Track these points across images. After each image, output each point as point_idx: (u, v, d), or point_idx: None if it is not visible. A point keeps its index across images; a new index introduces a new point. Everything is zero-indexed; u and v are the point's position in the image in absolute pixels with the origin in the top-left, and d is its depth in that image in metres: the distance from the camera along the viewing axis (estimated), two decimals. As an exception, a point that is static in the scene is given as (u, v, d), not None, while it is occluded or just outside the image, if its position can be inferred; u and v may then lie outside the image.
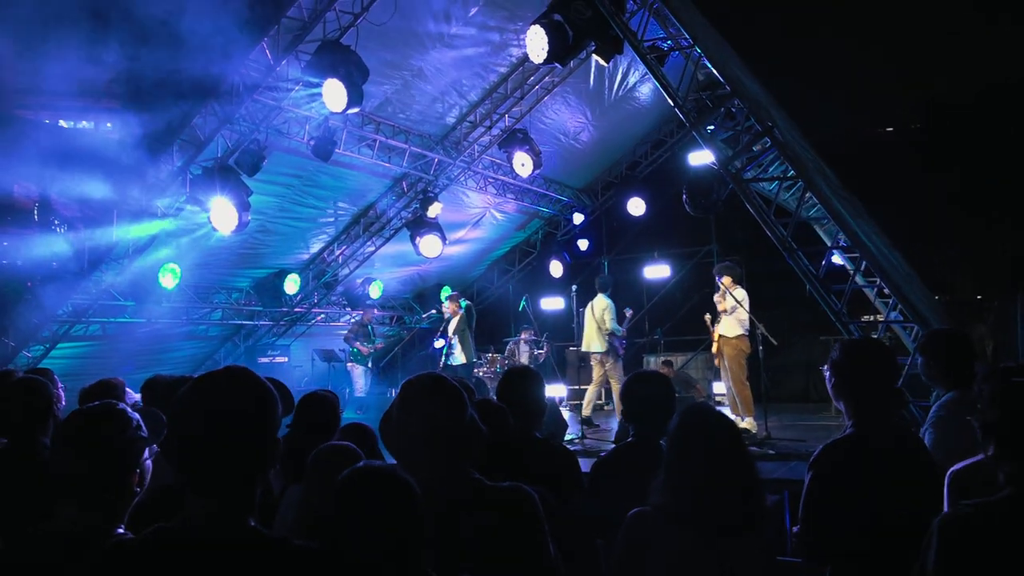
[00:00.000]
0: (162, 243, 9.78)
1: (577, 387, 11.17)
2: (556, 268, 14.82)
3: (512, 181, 13.18)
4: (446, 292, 13.71)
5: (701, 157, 10.29)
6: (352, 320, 13.54)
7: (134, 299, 10.32)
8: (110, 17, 6.73)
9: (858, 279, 8.02)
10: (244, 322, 12.82)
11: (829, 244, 8.01)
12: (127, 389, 3.97)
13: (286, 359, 13.27)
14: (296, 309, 13.06)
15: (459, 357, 10.65)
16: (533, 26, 7.91)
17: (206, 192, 8.83)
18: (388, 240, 12.68)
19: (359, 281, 13.25)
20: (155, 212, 9.25)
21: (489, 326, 14.88)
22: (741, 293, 8.48)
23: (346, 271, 13.09)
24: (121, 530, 1.99)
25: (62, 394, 3.47)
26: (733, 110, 8.10)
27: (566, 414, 10.09)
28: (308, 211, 11.47)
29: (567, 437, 8.57)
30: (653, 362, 13.44)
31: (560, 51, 7.86)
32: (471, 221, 13.79)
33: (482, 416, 2.29)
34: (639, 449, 3.26)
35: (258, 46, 8.17)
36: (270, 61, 8.40)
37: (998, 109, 11.73)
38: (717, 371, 9.80)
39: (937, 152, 12.16)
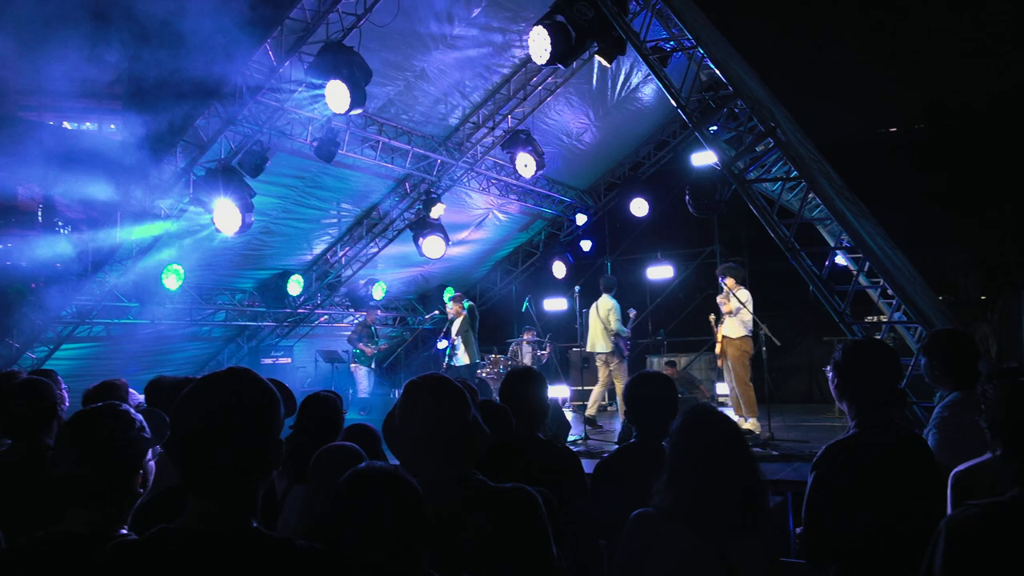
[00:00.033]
0: (166, 244, 9.80)
1: (580, 388, 11.17)
2: (559, 269, 14.82)
3: (515, 182, 13.19)
4: (449, 293, 13.74)
5: (704, 158, 10.31)
6: (355, 321, 13.55)
7: (138, 300, 10.34)
8: (114, 19, 6.75)
9: (861, 280, 8.00)
10: (247, 323, 12.84)
11: (832, 245, 7.98)
12: (131, 390, 3.97)
13: (289, 360, 13.29)
14: (299, 310, 13.07)
15: (462, 358, 10.66)
16: (536, 27, 7.91)
17: (209, 193, 8.84)
18: (391, 241, 12.69)
19: (362, 282, 13.27)
20: (159, 213, 9.27)
21: (492, 327, 14.88)
22: (745, 294, 8.47)
23: (349, 272, 13.09)
24: (124, 531, 1.99)
25: (66, 395, 3.47)
26: (736, 111, 8.09)
27: (569, 415, 10.10)
28: (311, 212, 11.49)
29: (570, 438, 8.57)
30: (656, 363, 13.45)
31: (563, 52, 7.86)
32: (474, 222, 13.80)
33: (484, 417, 2.29)
34: (642, 450, 3.26)
35: (261, 47, 8.20)
36: (273, 62, 8.41)
37: (1008, 112, 11.72)
38: (720, 372, 9.79)
39: (940, 152, 12.16)
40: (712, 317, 9.02)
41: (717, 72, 7.79)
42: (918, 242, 10.07)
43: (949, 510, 2.61)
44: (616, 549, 2.48)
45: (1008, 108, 11.75)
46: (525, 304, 12.04)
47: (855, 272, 7.88)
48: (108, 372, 8.25)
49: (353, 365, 12.23)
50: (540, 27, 7.85)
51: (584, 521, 3.12)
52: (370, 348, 12.07)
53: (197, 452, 1.61)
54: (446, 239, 11.92)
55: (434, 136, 11.60)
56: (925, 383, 3.70)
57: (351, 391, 11.94)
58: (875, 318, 9.09)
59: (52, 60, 6.65)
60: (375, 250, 12.81)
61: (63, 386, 3.46)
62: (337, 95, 8.14)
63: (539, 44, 7.91)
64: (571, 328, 13.08)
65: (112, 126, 8.66)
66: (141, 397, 4.02)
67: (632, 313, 10.34)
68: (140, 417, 2.08)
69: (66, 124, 8.80)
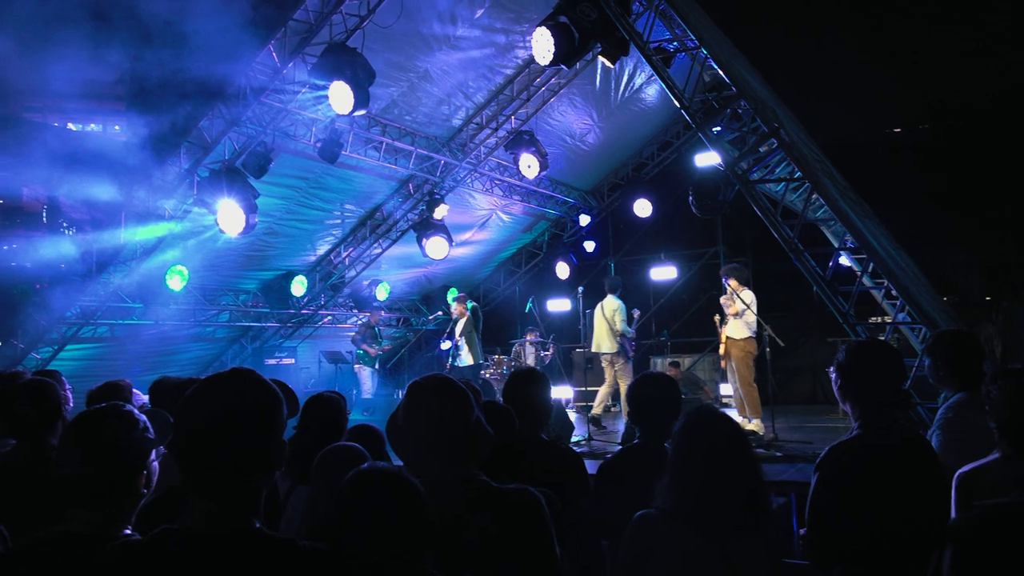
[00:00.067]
0: (170, 245, 9.83)
1: (584, 389, 11.16)
2: (562, 269, 14.82)
3: (518, 183, 13.19)
4: (453, 294, 13.73)
5: (707, 158, 10.29)
6: (359, 322, 13.57)
7: (142, 301, 10.37)
8: (118, 21, 6.77)
9: (865, 280, 7.99)
10: (251, 324, 12.86)
11: (836, 245, 7.98)
12: (135, 391, 3.98)
13: (293, 361, 13.31)
14: (303, 311, 13.09)
15: (466, 359, 10.66)
16: (539, 28, 7.92)
17: (213, 194, 8.86)
18: (395, 242, 12.70)
19: (366, 283, 13.29)
20: (163, 214, 9.30)
21: (496, 328, 14.88)
22: (749, 295, 8.45)
23: (353, 273, 13.11)
24: (128, 531, 2.00)
25: (70, 396, 3.48)
26: (739, 111, 8.08)
27: (572, 416, 10.09)
28: (315, 213, 11.50)
29: (573, 439, 8.57)
30: (660, 364, 13.43)
31: (566, 53, 7.85)
32: (477, 223, 13.81)
33: (488, 418, 2.29)
34: (645, 451, 3.26)
35: (265, 49, 8.21)
36: (277, 64, 8.43)
37: (1008, 112, 11.71)
38: (724, 373, 9.78)
39: (940, 153, 12.15)
40: (717, 318, 9.01)
41: (720, 73, 7.79)
42: (918, 242, 10.06)
43: (953, 511, 2.61)
44: (619, 550, 2.48)
45: (1008, 108, 11.74)
46: (528, 305, 12.03)
47: (859, 273, 7.87)
48: (112, 373, 8.27)
49: (357, 366, 12.24)
50: (543, 28, 7.85)
51: (587, 522, 3.12)
52: (374, 349, 12.08)
53: (200, 452, 1.61)
54: (450, 240, 11.92)
55: (437, 137, 11.60)
56: (929, 384, 3.69)
57: (355, 392, 11.94)
58: (879, 319, 9.08)
59: (57, 62, 6.67)
60: (379, 251, 12.83)
61: (67, 387, 3.46)
62: (341, 96, 8.15)
63: (542, 45, 7.91)
64: (575, 329, 13.11)
65: (116, 127, 8.69)
66: (145, 398, 4.03)
67: (636, 313, 10.33)
68: (144, 418, 2.08)
69: (71, 125, 8.84)
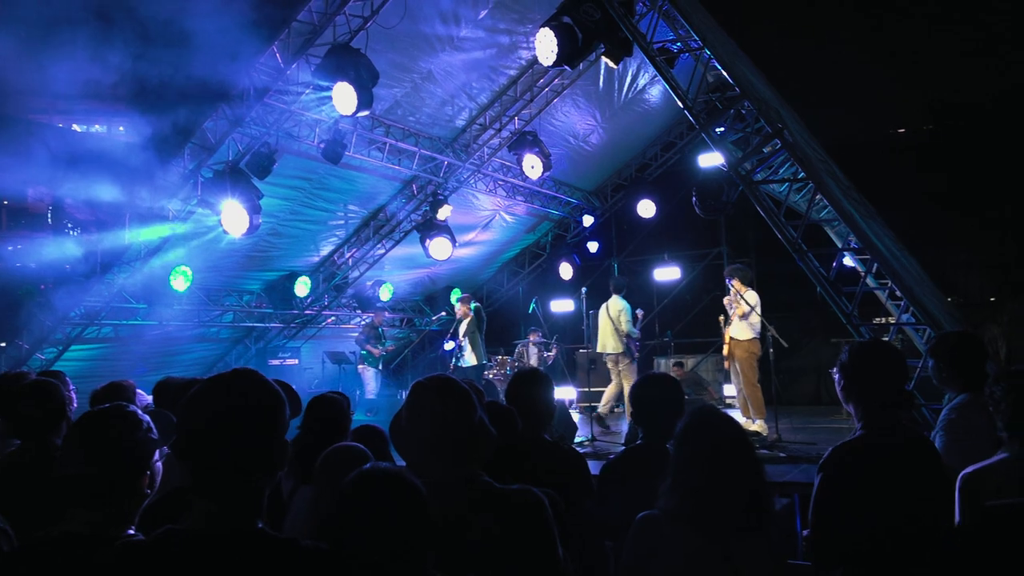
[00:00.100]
0: (173, 246, 9.85)
1: (587, 389, 11.15)
2: (566, 270, 14.82)
3: (522, 183, 13.19)
4: (456, 294, 13.74)
5: (711, 159, 10.27)
6: (363, 322, 13.58)
7: (146, 302, 10.39)
8: (122, 22, 6.79)
9: (869, 281, 7.97)
10: (255, 324, 12.88)
11: (840, 246, 7.96)
12: (139, 391, 3.99)
13: (296, 361, 13.33)
14: (307, 311, 13.11)
15: (469, 359, 10.67)
16: (542, 28, 7.92)
17: (217, 195, 8.88)
18: (398, 243, 12.71)
19: (369, 283, 13.30)
20: (166, 215, 9.31)
21: (499, 328, 14.89)
22: (753, 296, 8.44)
23: (356, 273, 13.12)
24: (132, 531, 2.00)
25: (74, 396, 3.49)
26: (743, 112, 8.07)
27: (576, 416, 10.08)
28: (318, 214, 11.52)
29: (577, 439, 8.56)
30: (664, 364, 13.42)
31: (569, 53, 7.86)
32: (481, 223, 13.81)
33: (490, 418, 2.29)
34: (648, 451, 3.26)
35: (268, 49, 8.23)
36: (280, 64, 8.44)
37: (1008, 112, 11.70)
38: (728, 373, 9.77)
39: (940, 153, 12.14)
40: (721, 318, 9.00)
41: (724, 73, 7.78)
42: (917, 242, 10.03)
43: (957, 512, 2.60)
44: (622, 551, 2.48)
45: (1008, 108, 11.73)
46: (532, 305, 12.04)
47: (863, 273, 7.85)
48: (116, 373, 8.30)
49: (361, 366, 12.25)
50: (546, 28, 7.85)
51: (590, 522, 3.12)
52: (378, 349, 12.10)
53: (201, 452, 1.62)
54: (453, 240, 11.93)
55: (441, 138, 11.61)
56: (933, 385, 3.69)
57: (358, 392, 11.95)
58: (883, 320, 9.05)
59: (61, 63, 6.69)
60: (382, 251, 12.84)
61: (71, 387, 3.48)
62: (344, 97, 8.16)
63: (545, 46, 7.91)
64: (578, 329, 13.10)
65: (121, 128, 8.70)
66: (149, 398, 4.04)
67: (640, 313, 10.32)
68: (147, 418, 2.09)
69: (75, 126, 8.86)
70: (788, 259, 7.72)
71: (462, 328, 10.77)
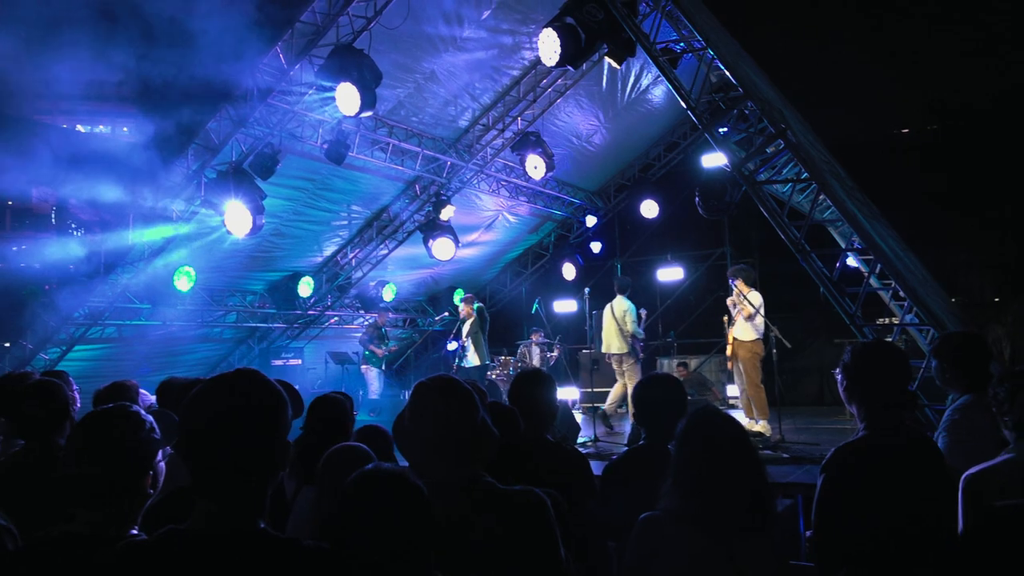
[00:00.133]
0: (177, 246, 9.86)
1: (590, 390, 11.15)
2: (569, 270, 14.82)
3: (525, 184, 13.19)
4: (459, 295, 13.75)
5: (714, 159, 10.27)
6: (366, 323, 13.59)
7: (149, 302, 10.41)
8: (126, 23, 6.80)
9: (873, 281, 7.97)
10: (258, 325, 12.89)
11: (843, 246, 7.95)
12: (142, 391, 4.00)
13: (300, 362, 13.34)
14: (310, 312, 13.12)
15: (472, 359, 10.67)
16: (545, 29, 7.92)
17: (220, 195, 8.89)
18: (401, 243, 12.72)
19: (372, 284, 13.31)
20: (170, 215, 9.33)
21: (502, 328, 14.90)
22: (757, 297, 8.42)
23: (359, 274, 13.14)
24: (135, 531, 2.00)
25: (77, 396, 3.50)
26: (746, 112, 8.07)
27: (578, 417, 10.08)
28: (322, 214, 11.53)
29: (580, 440, 8.56)
30: (667, 364, 13.41)
31: (572, 54, 7.86)
32: (484, 224, 13.82)
33: (493, 419, 2.29)
34: (650, 452, 3.26)
35: (272, 50, 8.24)
36: (284, 65, 8.45)
37: (1008, 112, 11.70)
38: (731, 374, 9.76)
39: (941, 153, 12.14)
40: (725, 319, 8.99)
41: (727, 73, 7.77)
42: (918, 242, 10.04)
43: (960, 513, 2.60)
44: (625, 552, 2.48)
45: (1008, 108, 11.72)
46: (535, 306, 12.04)
47: (866, 274, 7.85)
48: (120, 373, 8.31)
49: (364, 366, 12.26)
50: (549, 29, 7.85)
51: (593, 523, 3.12)
52: (381, 349, 12.11)
53: (202, 453, 1.62)
54: (456, 241, 11.93)
55: (444, 138, 11.62)
56: (937, 386, 3.68)
57: (361, 392, 11.97)
58: (887, 320, 9.04)
59: (66, 64, 6.71)
60: (385, 252, 12.85)
61: (74, 387, 3.48)
62: (347, 97, 8.17)
63: (549, 46, 7.91)
64: (581, 330, 13.10)
65: (125, 129, 8.72)
66: (152, 398, 4.05)
67: (643, 313, 10.32)
68: (150, 418, 2.09)
69: (79, 127, 8.87)
70: (791, 259, 7.71)
71: (465, 328, 10.78)
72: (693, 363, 13.38)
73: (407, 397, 2.30)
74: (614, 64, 8.65)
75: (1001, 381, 2.79)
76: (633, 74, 11.70)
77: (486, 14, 9.34)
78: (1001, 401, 2.74)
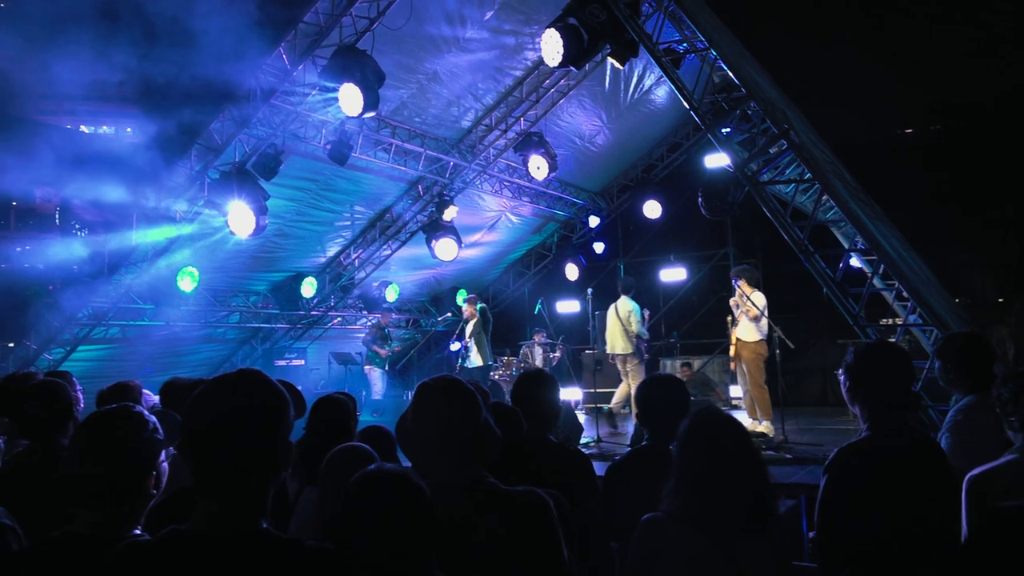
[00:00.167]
0: (180, 247, 9.88)
1: (593, 390, 11.14)
2: (572, 271, 14.81)
3: (528, 184, 13.19)
4: (462, 295, 13.76)
5: (717, 160, 10.27)
6: (369, 323, 13.60)
7: (153, 302, 10.43)
8: (129, 24, 6.82)
9: (876, 282, 7.95)
10: (261, 325, 12.90)
11: (847, 247, 7.93)
12: (146, 391, 4.01)
13: (303, 362, 13.35)
14: (313, 312, 13.13)
15: (475, 360, 10.67)
16: (548, 29, 7.91)
17: (224, 196, 8.90)
18: (404, 243, 12.72)
19: (375, 284, 13.32)
20: (173, 216, 9.35)
21: (505, 329, 14.90)
22: (760, 298, 8.41)
23: (362, 274, 13.14)
24: (137, 531, 2.01)
25: (80, 396, 3.51)
26: (749, 112, 8.06)
27: (581, 417, 10.08)
28: (325, 215, 11.54)
29: (582, 440, 8.56)
30: (670, 365, 13.41)
31: (575, 54, 7.85)
32: (487, 224, 13.82)
33: (495, 419, 2.29)
34: (653, 453, 3.26)
35: (275, 51, 8.25)
36: (287, 66, 8.46)
37: (1009, 112, 11.70)
38: (734, 374, 9.75)
39: (943, 153, 12.14)
40: (728, 319, 8.98)
41: (730, 74, 7.76)
42: (919, 242, 10.03)
43: (964, 514, 2.59)
44: (627, 553, 2.48)
45: (1009, 108, 11.73)
46: (538, 306, 12.04)
47: (869, 274, 7.83)
48: (124, 374, 8.33)
49: (367, 367, 12.27)
50: (552, 30, 7.85)
51: (595, 524, 3.12)
52: (384, 350, 12.11)
53: (204, 453, 1.62)
54: (459, 241, 11.93)
55: (447, 139, 11.62)
56: (940, 386, 3.67)
57: (364, 393, 11.98)
58: (890, 321, 9.03)
59: (69, 65, 6.72)
60: (388, 252, 12.85)
61: (78, 387, 3.49)
62: (350, 98, 8.17)
63: (551, 47, 7.91)
64: (584, 330, 13.08)
65: (128, 130, 8.74)
66: (156, 398, 4.06)
67: (647, 314, 10.31)
68: (153, 419, 2.10)
69: (83, 128, 8.89)
70: (794, 260, 7.70)
71: (468, 329, 10.78)
72: (696, 363, 13.38)
73: (410, 398, 2.30)
74: (617, 65, 8.65)
75: (1005, 382, 2.79)
76: (636, 75, 11.70)
77: (489, 15, 9.34)
78: (1005, 402, 2.74)
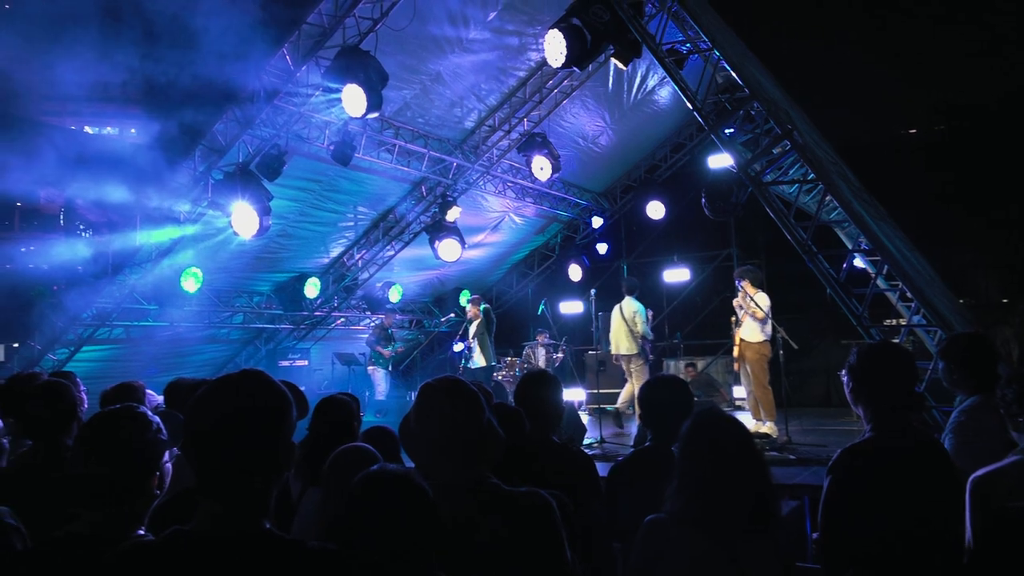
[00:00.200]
0: (184, 247, 9.89)
1: (596, 391, 11.13)
2: (575, 272, 14.81)
3: (531, 185, 13.19)
4: (465, 296, 13.76)
5: (720, 160, 10.26)
6: (372, 324, 13.61)
7: (157, 303, 10.45)
8: (133, 26, 6.83)
9: (880, 282, 7.94)
10: (265, 326, 12.91)
11: (850, 247, 7.92)
12: (149, 392, 4.01)
13: (306, 362, 13.36)
14: (316, 313, 13.14)
15: (479, 360, 10.68)
16: (551, 30, 7.92)
17: (227, 197, 8.91)
18: (407, 244, 12.73)
19: (379, 285, 13.32)
20: (177, 216, 9.36)
21: (508, 330, 14.89)
22: (764, 299, 8.40)
23: (366, 275, 13.15)
24: (141, 532, 2.01)
25: (84, 397, 3.51)
26: (752, 113, 8.05)
27: (585, 418, 10.07)
28: (328, 215, 11.55)
29: (586, 441, 8.55)
30: (673, 366, 13.40)
31: (578, 55, 7.85)
32: (490, 225, 13.82)
33: (499, 420, 2.29)
34: (656, 454, 3.25)
35: (278, 52, 8.26)
36: (290, 67, 8.47)
37: (1013, 113, 11.69)
38: (738, 375, 9.74)
39: (947, 153, 12.12)
40: (732, 320, 8.97)
41: (733, 74, 7.76)
42: (923, 242, 10.02)
43: (968, 515, 2.59)
44: (630, 554, 2.47)
45: (1013, 108, 11.71)
46: (541, 307, 12.04)
47: (873, 275, 7.82)
48: (128, 374, 8.34)
49: (370, 367, 12.28)
50: (555, 30, 7.85)
51: (598, 525, 3.12)
52: (387, 351, 12.12)
53: (206, 453, 1.62)
54: (462, 242, 11.93)
55: (450, 139, 11.63)
56: (944, 387, 3.66)
57: (367, 393, 11.98)
58: (894, 321, 9.01)
59: (73, 66, 6.74)
60: (391, 253, 12.86)
61: (82, 388, 3.50)
62: (353, 99, 8.18)
63: (554, 47, 7.91)
64: (587, 331, 13.07)
65: (133, 131, 8.76)
66: (159, 399, 4.07)
67: (650, 314, 10.31)
68: (157, 419, 2.10)
69: (87, 128, 8.91)
70: (798, 260, 7.69)
71: (471, 330, 10.78)
72: (700, 364, 13.36)
73: (413, 398, 2.30)
74: (620, 65, 8.64)
75: (1009, 382, 2.78)
76: (639, 75, 11.70)
77: (492, 15, 9.34)
78: (1009, 402, 2.73)
